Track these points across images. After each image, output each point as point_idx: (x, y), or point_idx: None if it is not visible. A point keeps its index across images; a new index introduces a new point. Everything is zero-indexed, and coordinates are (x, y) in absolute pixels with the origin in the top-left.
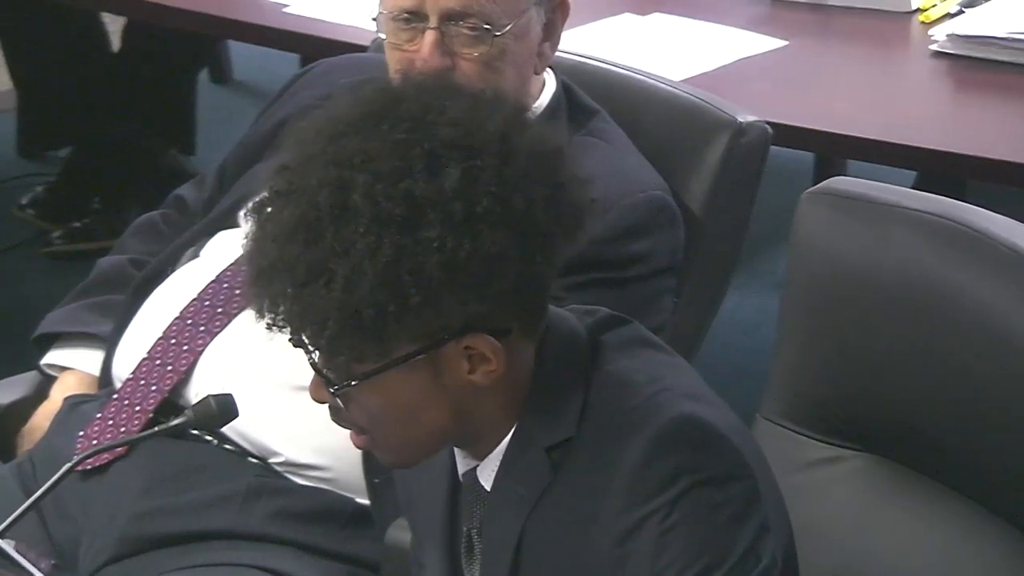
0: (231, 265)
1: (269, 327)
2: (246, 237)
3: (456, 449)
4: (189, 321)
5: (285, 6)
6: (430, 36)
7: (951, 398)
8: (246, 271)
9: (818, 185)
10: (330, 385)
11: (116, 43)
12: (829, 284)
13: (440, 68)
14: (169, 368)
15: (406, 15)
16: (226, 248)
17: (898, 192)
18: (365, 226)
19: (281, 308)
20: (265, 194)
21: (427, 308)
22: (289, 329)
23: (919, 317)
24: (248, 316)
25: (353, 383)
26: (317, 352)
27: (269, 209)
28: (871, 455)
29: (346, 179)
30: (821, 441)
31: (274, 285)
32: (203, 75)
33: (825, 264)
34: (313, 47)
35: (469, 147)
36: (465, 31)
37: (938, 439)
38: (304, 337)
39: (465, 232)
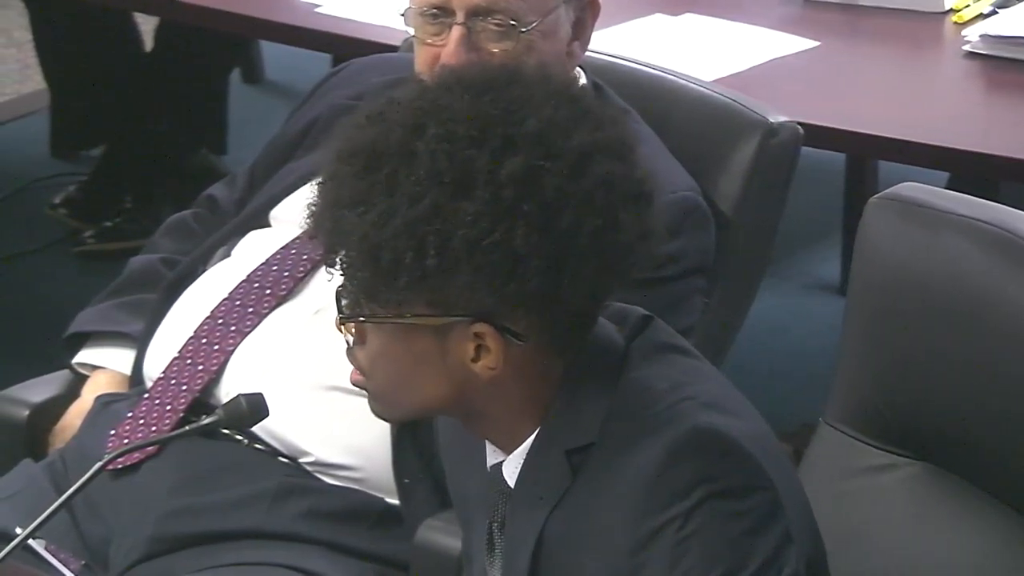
0: (262, 264)
1: (310, 237)
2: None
3: (486, 441)
4: (220, 321)
5: (317, 6)
6: (456, 31)
7: (1005, 411)
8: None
9: (884, 191)
10: (340, 312)
11: (149, 43)
12: (891, 291)
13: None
14: (200, 368)
15: (433, 10)
16: (257, 247)
17: (963, 200)
18: (417, 176)
19: (323, 221)
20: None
21: (440, 276)
22: (326, 244)
23: (978, 327)
24: (279, 316)
25: (360, 319)
26: (341, 273)
27: (356, 127)
28: (926, 464)
29: (422, 127)
30: (878, 448)
31: (322, 197)
32: (235, 75)
33: (888, 271)
34: (345, 47)
35: (547, 148)
36: (492, 27)
37: (992, 450)
38: (334, 256)
39: (501, 220)
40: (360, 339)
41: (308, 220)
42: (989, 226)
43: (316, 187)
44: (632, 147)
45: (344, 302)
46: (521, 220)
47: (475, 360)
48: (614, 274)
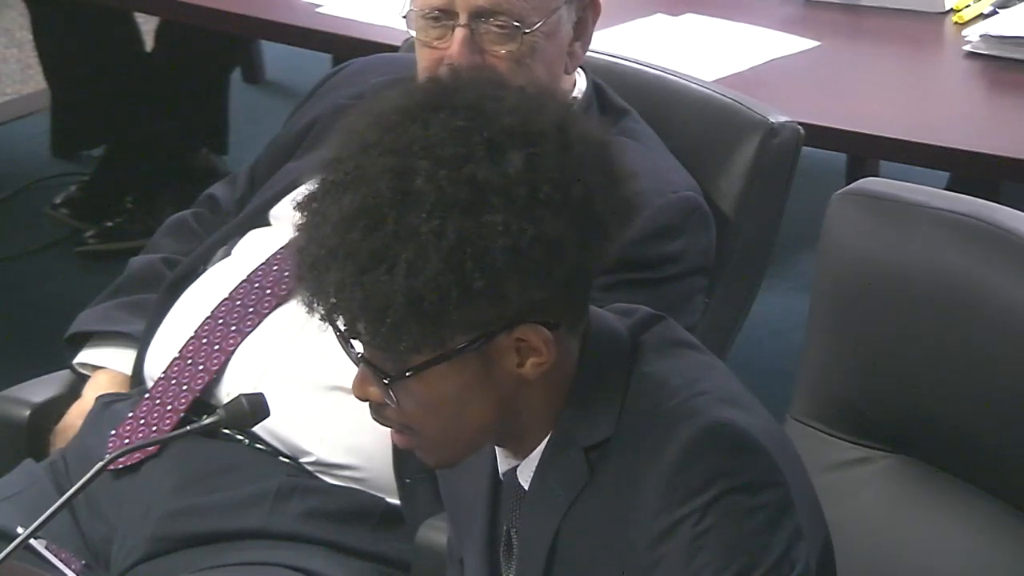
0: (262, 264)
1: (323, 319)
2: (294, 230)
3: (497, 448)
4: (221, 320)
5: (318, 6)
6: (460, 33)
7: (980, 398)
8: (296, 262)
9: (849, 186)
10: (384, 377)
11: (149, 43)
12: (859, 285)
13: (487, 64)
14: (200, 368)
15: (436, 12)
16: (257, 247)
17: (928, 192)
18: (428, 211)
19: (335, 299)
20: (315, 186)
21: (488, 294)
22: (343, 320)
23: (948, 317)
24: (279, 316)
25: (408, 374)
26: (372, 345)
27: (322, 201)
28: (900, 455)
29: (407, 166)
30: (850, 442)
31: (331, 274)
32: (235, 75)
33: (855, 265)
34: (346, 47)
35: (528, 134)
36: (495, 28)
37: (967, 439)
38: (358, 329)
39: (528, 217)
40: (397, 395)
41: (316, 304)
42: (959, 216)
43: (311, 270)
44: (568, 101)
45: (383, 366)
46: (543, 209)
47: (521, 365)
48: (628, 223)
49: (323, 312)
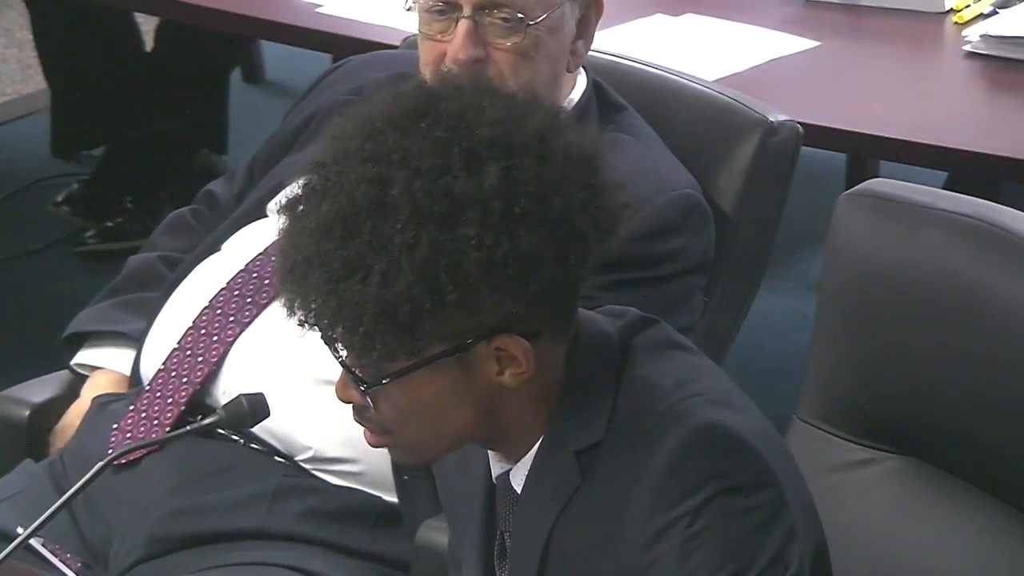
0: (259, 255)
1: (301, 323)
2: (278, 232)
3: (489, 452)
4: (219, 311)
5: (318, 6)
6: (463, 26)
7: (986, 400)
8: (278, 266)
9: (856, 187)
10: (360, 384)
11: (149, 43)
12: (865, 286)
13: (477, 69)
14: (200, 360)
15: (440, 6)
16: (254, 238)
17: (933, 194)
18: (403, 222)
19: (314, 304)
20: (298, 190)
21: (462, 306)
22: (321, 326)
23: (954, 319)
24: (277, 308)
25: (384, 381)
26: (348, 350)
27: (304, 205)
28: (906, 457)
29: (384, 175)
30: (856, 443)
31: (308, 280)
32: (235, 75)
33: (861, 266)
34: (346, 47)
35: (508, 147)
36: (498, 21)
37: (972, 441)
38: (336, 334)
39: (503, 231)
40: (375, 400)
41: (296, 309)
42: (966, 218)
43: (289, 276)
44: (557, 109)
45: (360, 373)
46: (519, 223)
47: (500, 373)
48: (610, 235)
49: (302, 316)
